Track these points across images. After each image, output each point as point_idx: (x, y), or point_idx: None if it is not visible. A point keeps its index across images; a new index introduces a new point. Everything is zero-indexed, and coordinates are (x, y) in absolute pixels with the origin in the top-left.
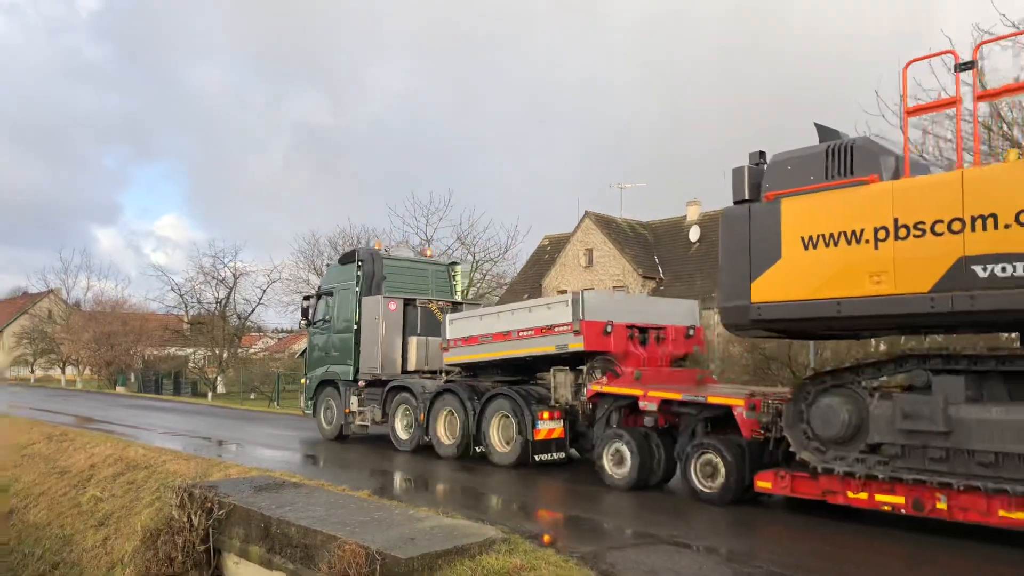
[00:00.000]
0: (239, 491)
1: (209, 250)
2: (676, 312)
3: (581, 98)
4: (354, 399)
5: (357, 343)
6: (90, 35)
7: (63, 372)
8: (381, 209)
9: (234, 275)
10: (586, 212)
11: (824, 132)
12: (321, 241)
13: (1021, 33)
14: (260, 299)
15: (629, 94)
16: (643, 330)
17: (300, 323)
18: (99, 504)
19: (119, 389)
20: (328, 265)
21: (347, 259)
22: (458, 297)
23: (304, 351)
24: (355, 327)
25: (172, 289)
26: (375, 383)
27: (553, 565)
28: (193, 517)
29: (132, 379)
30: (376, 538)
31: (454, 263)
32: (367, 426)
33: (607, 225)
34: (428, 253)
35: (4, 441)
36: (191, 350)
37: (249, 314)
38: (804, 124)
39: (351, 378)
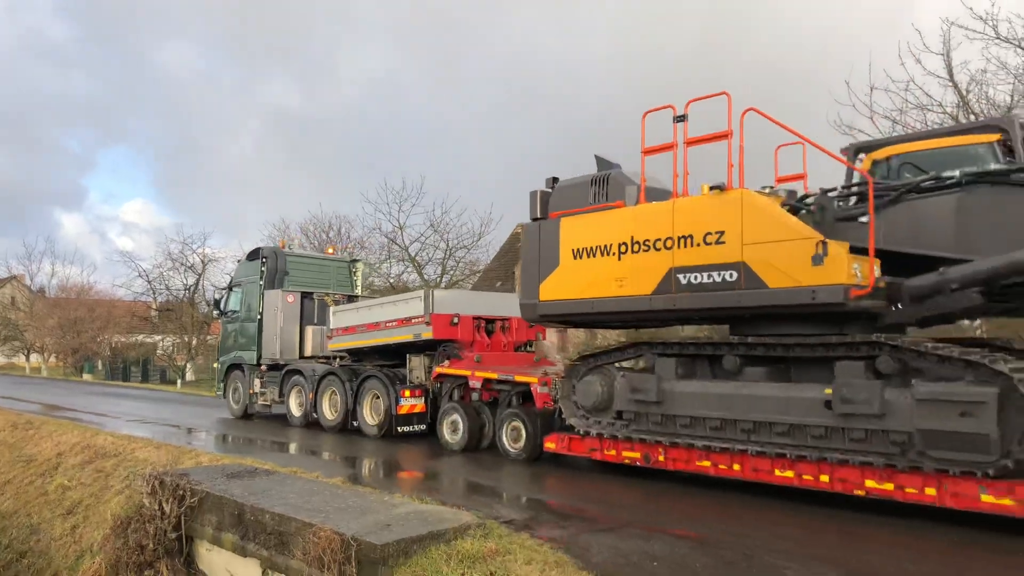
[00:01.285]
0: (211, 478)
1: (177, 236)
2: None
3: (560, 86)
4: (257, 381)
5: (260, 331)
6: (53, 14)
7: (27, 359)
8: (353, 195)
9: (203, 261)
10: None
11: (602, 163)
12: (292, 227)
13: None
14: (230, 285)
15: (608, 83)
16: (489, 321)
17: (213, 314)
18: (67, 493)
19: (86, 376)
20: (239, 261)
21: (253, 256)
22: (358, 291)
23: None
24: (259, 317)
25: (140, 275)
26: (275, 367)
27: (527, 549)
28: (164, 505)
29: (99, 366)
30: (351, 524)
31: (355, 260)
32: (269, 405)
33: None
34: (330, 251)
35: None
36: (159, 337)
37: (219, 301)
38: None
39: (255, 362)
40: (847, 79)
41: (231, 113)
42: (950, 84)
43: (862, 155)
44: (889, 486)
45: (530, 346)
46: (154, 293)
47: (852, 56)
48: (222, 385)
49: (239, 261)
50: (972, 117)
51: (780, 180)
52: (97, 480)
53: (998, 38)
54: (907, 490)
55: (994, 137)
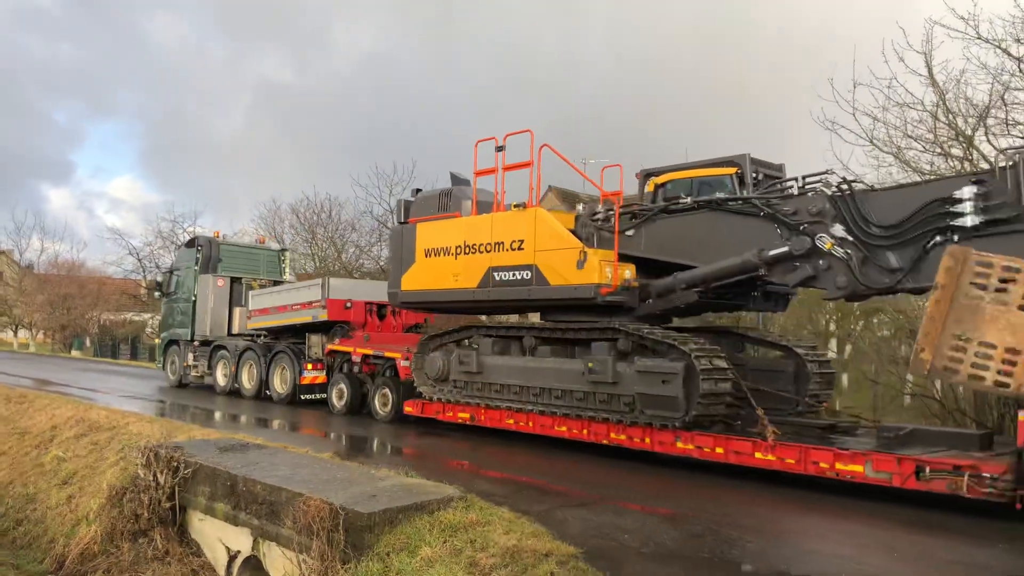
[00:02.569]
0: (204, 451)
1: (168, 214)
2: None
3: (555, 72)
4: (191, 355)
5: (194, 311)
6: None
7: (15, 335)
8: (345, 175)
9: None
10: (550, 187)
11: (455, 179)
12: (283, 208)
13: None
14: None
15: (604, 71)
16: (381, 306)
17: (155, 295)
18: (62, 464)
19: (74, 353)
20: (178, 248)
21: (190, 244)
22: (285, 277)
23: None
24: (193, 299)
25: (130, 253)
26: (206, 343)
27: (506, 520)
28: (159, 475)
29: (87, 343)
30: (339, 495)
31: (284, 249)
32: (201, 377)
33: (570, 200)
34: (262, 240)
35: None
36: (149, 315)
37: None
38: (772, 112)
39: (189, 339)
40: (831, 77)
41: (222, 87)
42: (930, 83)
43: (650, 179)
44: (623, 437)
45: (419, 328)
46: (144, 271)
47: (847, 50)
48: (162, 359)
49: (176, 248)
50: (949, 116)
51: (604, 195)
52: (92, 452)
53: (979, 38)
54: (635, 440)
55: (732, 170)
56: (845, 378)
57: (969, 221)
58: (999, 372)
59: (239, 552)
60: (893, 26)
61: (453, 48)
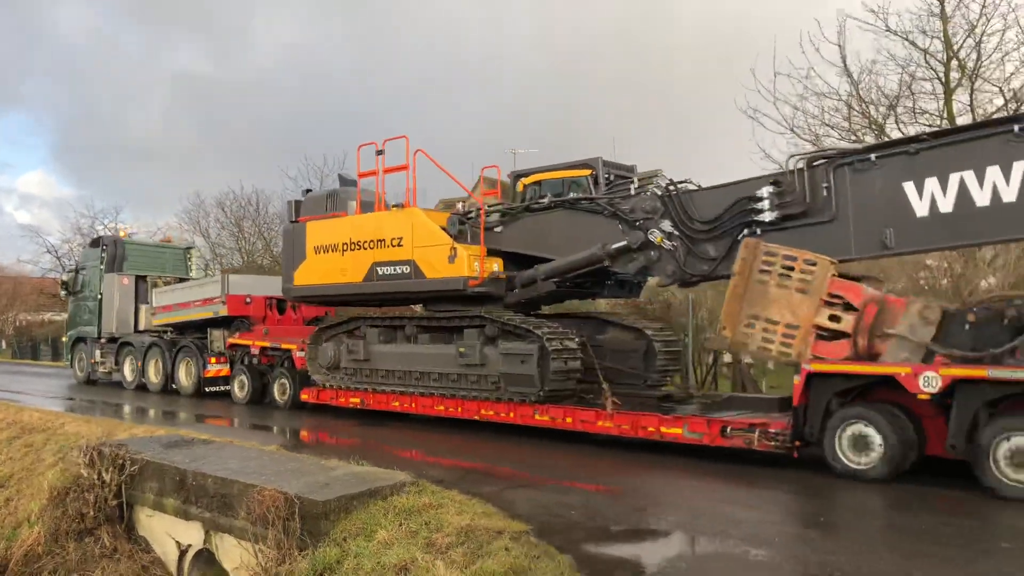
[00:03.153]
0: (150, 448)
1: (87, 210)
2: None
3: (483, 64)
4: (98, 352)
5: (100, 309)
6: None
7: None
8: (270, 169)
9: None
10: (482, 173)
11: (343, 180)
12: (207, 202)
13: None
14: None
15: (528, 62)
16: (281, 300)
17: (61, 294)
18: None
19: None
20: (81, 248)
21: (95, 243)
22: (192, 275)
23: None
24: (99, 297)
25: (48, 251)
26: (112, 340)
27: (457, 503)
28: (104, 474)
29: (3, 345)
30: (293, 484)
31: (189, 248)
32: (109, 373)
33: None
34: (169, 239)
35: None
36: None
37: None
38: (694, 96)
39: (96, 336)
40: (753, 66)
41: (136, 80)
42: (844, 74)
43: (520, 180)
44: (491, 412)
45: (320, 321)
46: (63, 269)
47: (769, 41)
48: (70, 356)
49: (82, 247)
50: (863, 105)
51: (485, 193)
52: (27, 455)
53: (888, 30)
54: (501, 414)
55: (587, 172)
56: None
57: (768, 216)
58: (782, 344)
59: (190, 546)
60: (810, 18)
61: (377, 40)
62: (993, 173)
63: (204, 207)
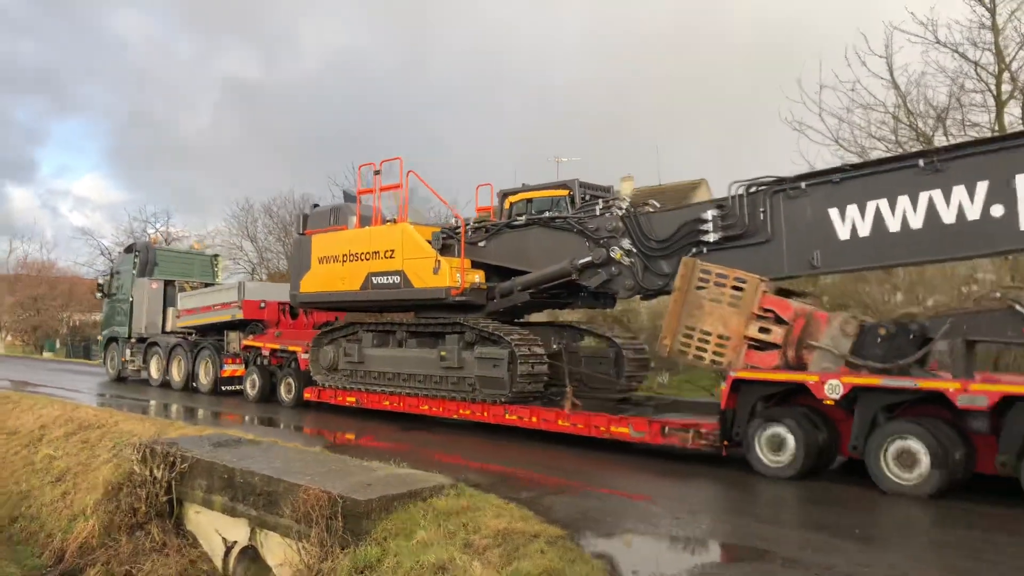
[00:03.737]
0: (199, 447)
1: (139, 214)
2: None
3: (531, 69)
4: (128, 351)
5: (131, 311)
6: None
7: None
8: (319, 175)
9: (166, 241)
10: (523, 184)
11: (347, 196)
12: (255, 207)
13: None
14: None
15: (578, 67)
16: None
17: (97, 295)
18: (54, 462)
19: (46, 355)
20: (118, 253)
21: (129, 250)
22: (218, 280)
23: None
24: (130, 300)
25: (101, 253)
26: (141, 340)
27: (496, 507)
28: (156, 471)
29: (59, 345)
30: (336, 485)
31: (216, 255)
32: (138, 371)
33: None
34: (197, 246)
35: None
36: None
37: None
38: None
39: (127, 336)
40: (799, 77)
41: (188, 85)
42: (891, 86)
43: (507, 198)
44: (468, 412)
45: (329, 325)
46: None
47: (819, 45)
48: (103, 354)
49: (119, 252)
50: (910, 117)
51: (479, 209)
52: (83, 450)
53: (937, 42)
54: (476, 414)
55: (565, 192)
56: None
57: (712, 237)
58: (715, 353)
59: (236, 542)
60: (856, 31)
61: (425, 44)
62: (903, 202)
63: (252, 212)
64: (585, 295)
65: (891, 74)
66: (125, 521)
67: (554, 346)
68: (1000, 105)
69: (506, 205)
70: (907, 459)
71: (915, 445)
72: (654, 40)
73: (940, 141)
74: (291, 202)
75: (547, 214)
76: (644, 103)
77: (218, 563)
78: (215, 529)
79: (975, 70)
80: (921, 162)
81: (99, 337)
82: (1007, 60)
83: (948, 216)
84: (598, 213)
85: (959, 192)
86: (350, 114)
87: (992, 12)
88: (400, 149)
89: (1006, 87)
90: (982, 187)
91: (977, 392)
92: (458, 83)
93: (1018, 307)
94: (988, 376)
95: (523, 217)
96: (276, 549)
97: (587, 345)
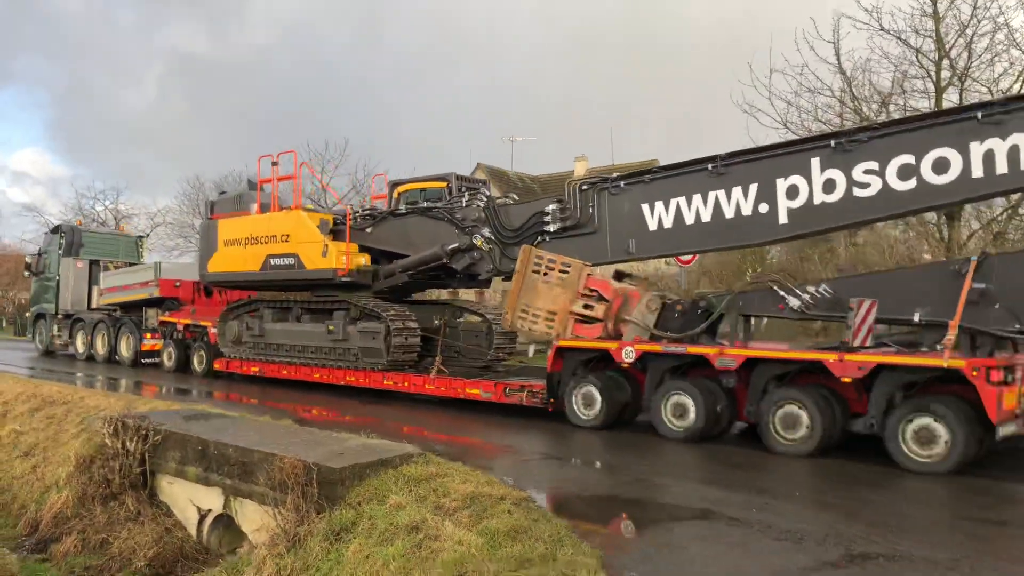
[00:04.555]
0: (171, 420)
1: (88, 191)
2: None
3: (486, 44)
4: (55, 327)
5: (58, 289)
6: None
7: None
8: (268, 148)
9: (116, 219)
10: (478, 164)
11: (251, 184)
12: (207, 185)
13: None
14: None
15: (533, 44)
16: None
17: (25, 274)
18: (21, 437)
19: None
20: (44, 234)
21: (55, 230)
22: (142, 261)
23: None
24: (57, 278)
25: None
26: (67, 316)
27: (463, 473)
28: (128, 443)
29: (3, 324)
30: (310, 454)
31: (141, 237)
32: (65, 345)
33: (498, 177)
34: (122, 229)
35: None
36: None
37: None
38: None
39: (54, 312)
40: (750, 61)
41: (131, 56)
42: (838, 71)
43: (396, 188)
44: (353, 379)
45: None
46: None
47: (773, 27)
48: (32, 329)
49: (45, 233)
50: (856, 102)
51: (375, 198)
52: (50, 425)
53: (882, 29)
54: (360, 380)
55: (444, 184)
56: None
57: (552, 227)
58: (545, 326)
59: (210, 510)
60: (806, 17)
61: (378, 17)
62: (697, 200)
63: (203, 190)
64: (460, 276)
65: (838, 59)
66: (99, 492)
67: (436, 321)
68: (939, 91)
69: (395, 194)
70: (679, 411)
71: (686, 399)
72: (610, 15)
73: None
74: (242, 180)
75: (422, 204)
76: (600, 83)
77: (192, 530)
78: (189, 499)
79: (916, 57)
80: (710, 166)
81: (27, 314)
82: (947, 48)
83: (729, 212)
84: (464, 204)
85: (737, 192)
86: (301, 89)
87: (934, 1)
88: (353, 125)
89: (945, 73)
90: (753, 188)
91: (729, 356)
92: (412, 58)
93: (775, 287)
94: (740, 343)
95: (403, 206)
96: (252, 516)
97: (467, 321)
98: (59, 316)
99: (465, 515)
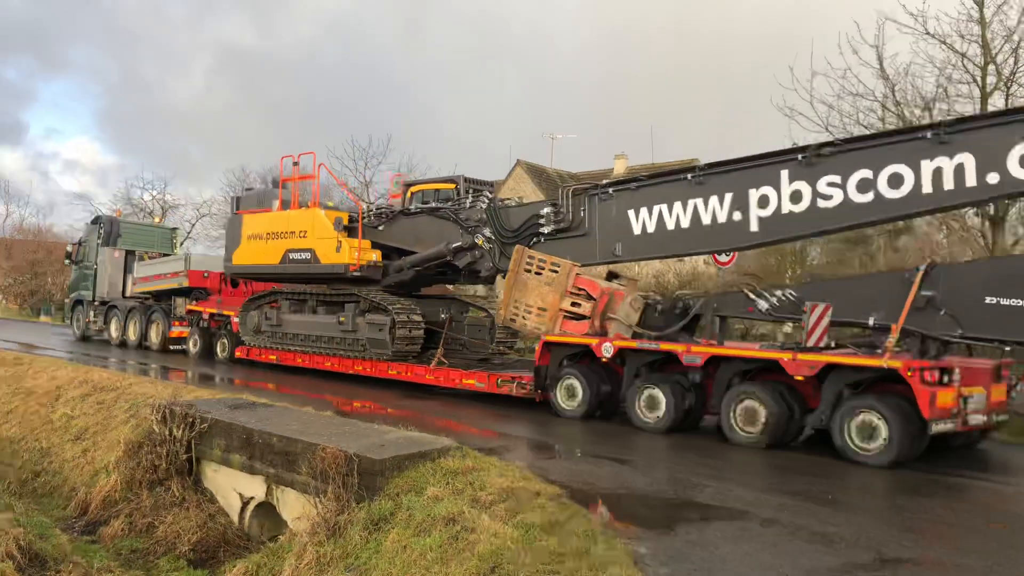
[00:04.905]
0: (217, 409)
1: (137, 181)
2: None
3: (530, 38)
4: (91, 313)
5: (95, 277)
6: None
7: None
8: (312, 142)
9: (163, 208)
10: (518, 161)
11: (274, 182)
12: (252, 176)
13: None
14: (189, 233)
15: (577, 40)
16: None
17: (65, 262)
18: (72, 421)
19: (43, 319)
20: (85, 224)
21: (95, 221)
22: (176, 252)
23: None
24: (95, 267)
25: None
26: (103, 303)
27: (498, 467)
28: (175, 430)
29: (53, 311)
30: (352, 445)
31: (175, 229)
32: (100, 331)
33: (538, 174)
34: (157, 220)
35: None
36: None
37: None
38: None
39: (91, 299)
40: (792, 64)
41: (181, 47)
42: (881, 75)
43: (409, 188)
44: (361, 368)
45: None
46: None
47: (816, 30)
48: (70, 315)
49: (86, 223)
50: (898, 107)
51: (392, 197)
52: (100, 411)
53: (927, 33)
54: (368, 370)
55: (452, 186)
56: None
57: (546, 229)
58: (536, 321)
59: (252, 498)
60: (850, 19)
61: (424, 12)
62: (678, 207)
63: (248, 181)
64: (464, 273)
65: (880, 64)
66: (146, 477)
67: (442, 315)
68: (984, 96)
69: (408, 195)
70: (652, 403)
71: (658, 393)
72: (655, 16)
73: None
74: (287, 173)
75: (431, 204)
76: (643, 80)
77: (235, 517)
78: (232, 486)
79: (962, 61)
80: (689, 176)
81: (66, 300)
82: (993, 53)
83: (706, 219)
84: (468, 206)
85: (713, 201)
86: (346, 81)
87: (980, 6)
88: (396, 120)
89: (991, 79)
90: (728, 197)
91: (695, 352)
92: (456, 52)
93: (746, 291)
94: (708, 342)
95: (415, 206)
96: (293, 504)
97: (472, 315)
98: (96, 303)
99: (501, 508)
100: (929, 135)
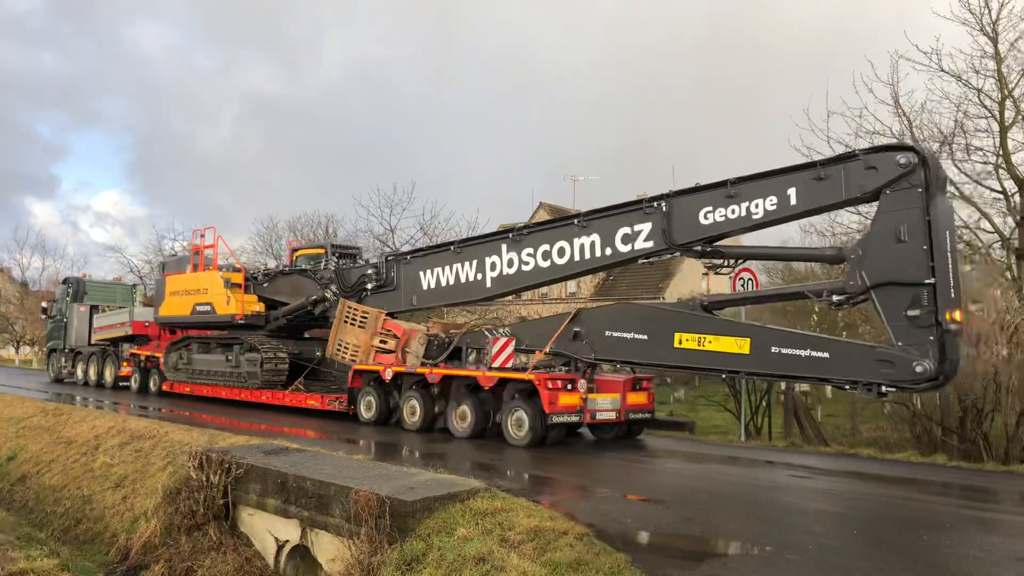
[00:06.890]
0: (252, 454)
1: (169, 232)
2: None
3: (555, 81)
4: (63, 359)
5: (66, 329)
6: None
7: (17, 351)
8: (337, 188)
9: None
10: (540, 203)
11: (195, 251)
12: (280, 225)
13: None
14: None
15: (600, 83)
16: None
17: (42, 317)
18: (111, 469)
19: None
20: (57, 284)
21: (65, 282)
22: (136, 306)
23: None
24: (65, 320)
25: (131, 271)
26: (72, 350)
27: (526, 508)
28: (212, 476)
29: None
30: (383, 487)
31: (135, 285)
32: (71, 374)
33: (558, 213)
34: (120, 279)
35: None
36: None
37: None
38: (767, 129)
39: (63, 347)
40: (806, 107)
41: (209, 98)
42: (897, 113)
43: (295, 252)
44: (246, 395)
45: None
46: (144, 288)
47: (854, 50)
48: (47, 361)
49: (57, 284)
50: (916, 143)
51: (302, 252)
52: (138, 458)
53: (941, 70)
54: (248, 396)
55: (323, 250)
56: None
57: (370, 285)
58: (352, 356)
59: (287, 541)
60: (861, 58)
61: (450, 56)
62: (447, 269)
63: (276, 230)
64: (321, 320)
65: (896, 101)
66: (184, 522)
67: (317, 353)
68: (1004, 130)
69: (295, 256)
70: (412, 410)
71: (415, 403)
72: (682, 56)
73: (946, 167)
74: (315, 221)
75: (300, 266)
76: (667, 120)
77: (270, 561)
78: (267, 530)
79: (979, 96)
80: (452, 247)
81: (43, 349)
82: (1010, 87)
83: (462, 278)
84: (322, 267)
85: (466, 266)
86: (373, 128)
87: (994, 42)
88: (421, 165)
89: (1009, 113)
90: (475, 263)
91: (433, 373)
92: (482, 95)
93: (484, 330)
94: (446, 365)
95: (284, 267)
96: (327, 547)
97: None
98: (66, 350)
99: (529, 547)
100: (576, 222)
